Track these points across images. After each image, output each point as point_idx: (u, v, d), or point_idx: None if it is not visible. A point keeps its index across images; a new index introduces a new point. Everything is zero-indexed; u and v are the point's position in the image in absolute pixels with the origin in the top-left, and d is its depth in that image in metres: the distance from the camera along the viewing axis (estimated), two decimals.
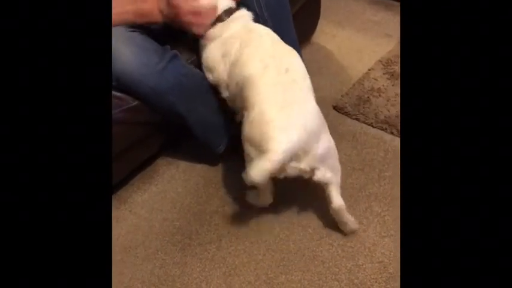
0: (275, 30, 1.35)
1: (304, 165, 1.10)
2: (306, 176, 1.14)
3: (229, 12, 1.26)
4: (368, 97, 1.66)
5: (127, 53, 1.19)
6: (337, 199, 1.19)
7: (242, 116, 1.16)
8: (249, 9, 1.28)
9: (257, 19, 1.31)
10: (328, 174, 1.15)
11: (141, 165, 1.50)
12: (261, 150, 1.04)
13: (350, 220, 1.24)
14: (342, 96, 1.69)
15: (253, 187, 1.27)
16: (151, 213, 1.38)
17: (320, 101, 1.66)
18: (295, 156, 1.06)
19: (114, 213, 1.38)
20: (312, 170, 1.12)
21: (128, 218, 1.38)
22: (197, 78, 1.31)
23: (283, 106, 1.07)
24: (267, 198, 1.28)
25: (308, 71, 1.53)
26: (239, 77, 1.17)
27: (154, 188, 1.46)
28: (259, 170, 1.01)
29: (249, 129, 1.10)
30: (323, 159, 1.12)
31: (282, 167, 1.06)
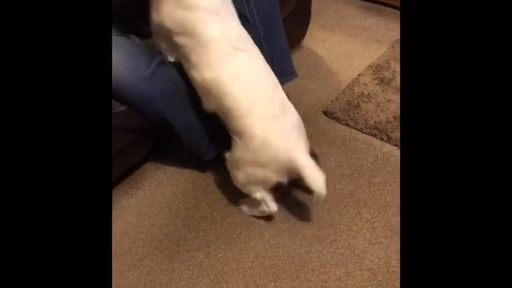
0: (266, 36, 1.35)
1: None
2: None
3: None
4: (358, 102, 1.66)
5: (114, 57, 1.16)
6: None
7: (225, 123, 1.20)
8: (240, 14, 1.26)
9: (248, 24, 1.29)
10: None
11: (128, 170, 1.47)
12: (275, 168, 1.17)
13: None
14: (331, 101, 1.68)
15: (247, 197, 1.30)
16: (139, 219, 1.36)
17: (310, 105, 1.68)
18: None
19: None
20: None
21: (114, 223, 1.35)
22: (186, 85, 1.29)
23: (276, 121, 1.16)
24: (272, 206, 1.27)
25: (299, 75, 1.54)
26: (217, 99, 1.17)
27: (141, 192, 1.44)
28: (322, 182, 1.16)
29: (255, 154, 1.16)
30: None
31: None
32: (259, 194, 1.24)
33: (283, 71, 1.43)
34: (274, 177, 1.19)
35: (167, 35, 1.16)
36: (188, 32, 1.12)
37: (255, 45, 1.20)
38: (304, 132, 1.24)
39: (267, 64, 1.21)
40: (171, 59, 1.23)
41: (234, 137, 1.18)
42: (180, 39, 1.14)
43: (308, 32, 1.96)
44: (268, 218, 1.32)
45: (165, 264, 1.24)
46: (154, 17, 1.17)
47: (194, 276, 1.21)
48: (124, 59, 1.17)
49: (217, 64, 1.13)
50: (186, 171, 1.49)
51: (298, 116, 1.23)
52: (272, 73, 1.21)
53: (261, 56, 1.20)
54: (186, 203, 1.39)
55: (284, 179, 1.20)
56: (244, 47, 1.16)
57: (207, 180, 1.46)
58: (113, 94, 1.21)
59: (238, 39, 1.15)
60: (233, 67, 1.13)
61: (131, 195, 1.43)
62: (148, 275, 1.22)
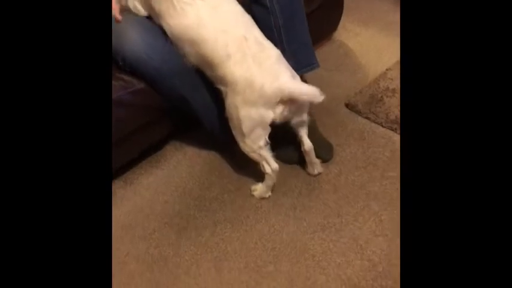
0: (285, 24, 1.35)
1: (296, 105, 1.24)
2: (289, 118, 1.27)
3: None
4: (381, 96, 1.64)
5: (134, 34, 1.23)
6: (308, 141, 1.35)
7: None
8: (259, 3, 1.28)
9: (267, 13, 1.31)
10: (304, 118, 1.30)
11: (150, 149, 1.54)
12: (266, 102, 1.19)
13: (317, 162, 1.40)
14: (355, 93, 1.67)
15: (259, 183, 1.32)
16: (154, 196, 1.42)
17: (333, 97, 1.68)
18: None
19: (120, 193, 1.43)
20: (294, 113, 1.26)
21: (131, 198, 1.42)
22: None
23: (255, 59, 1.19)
24: (273, 164, 1.30)
25: (326, 67, 1.53)
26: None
27: (160, 171, 1.50)
28: (314, 91, 1.18)
29: (243, 95, 1.19)
30: (304, 104, 1.27)
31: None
32: (263, 142, 1.26)
33: (303, 61, 1.42)
34: (269, 114, 1.21)
35: None
36: None
37: None
38: (289, 67, 1.24)
39: (235, 5, 1.23)
40: (143, 12, 1.28)
41: (222, 88, 1.24)
42: None
43: (341, 25, 1.96)
44: (276, 203, 1.35)
45: (173, 239, 1.29)
46: None
47: (198, 253, 1.25)
48: (142, 35, 1.24)
49: (178, 14, 1.18)
50: (204, 154, 1.54)
51: (279, 52, 1.24)
52: (244, 13, 1.24)
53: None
54: (200, 184, 1.44)
55: (278, 115, 1.22)
56: None
57: (222, 163, 1.50)
58: (131, 69, 1.27)
59: None
60: (194, 17, 1.18)
61: (150, 173, 1.50)
62: (156, 248, 1.28)
